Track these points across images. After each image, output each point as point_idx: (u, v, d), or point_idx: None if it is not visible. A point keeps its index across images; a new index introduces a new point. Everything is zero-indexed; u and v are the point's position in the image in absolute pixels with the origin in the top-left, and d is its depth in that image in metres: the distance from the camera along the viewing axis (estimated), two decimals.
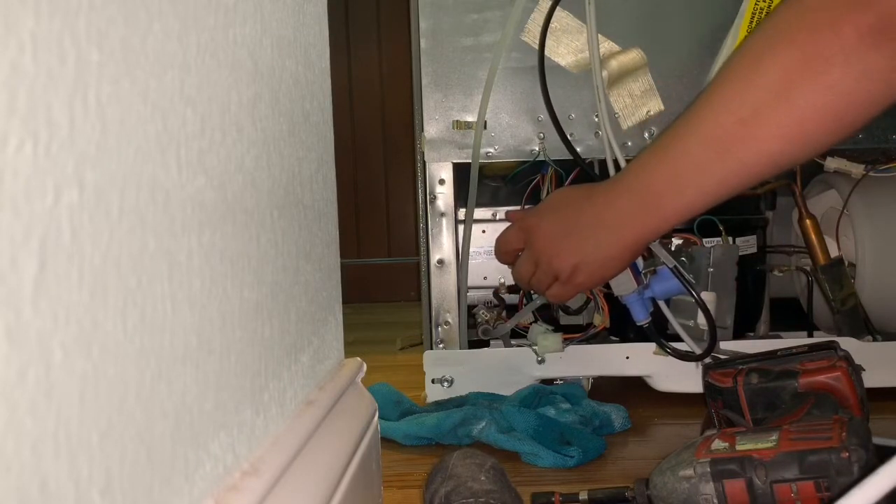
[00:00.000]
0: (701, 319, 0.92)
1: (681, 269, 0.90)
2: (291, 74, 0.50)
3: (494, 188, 1.16)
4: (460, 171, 1.01)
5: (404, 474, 0.79)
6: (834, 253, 1.01)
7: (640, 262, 0.91)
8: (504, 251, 0.93)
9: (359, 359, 0.65)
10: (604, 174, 0.97)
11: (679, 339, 0.93)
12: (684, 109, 0.77)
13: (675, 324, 0.93)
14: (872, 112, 0.67)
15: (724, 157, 0.72)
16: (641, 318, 0.91)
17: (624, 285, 0.90)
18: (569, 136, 0.98)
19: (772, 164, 0.72)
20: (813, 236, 1.00)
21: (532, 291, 0.98)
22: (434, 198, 1.02)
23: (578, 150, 0.98)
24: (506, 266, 1.01)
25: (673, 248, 0.95)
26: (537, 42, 0.98)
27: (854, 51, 0.64)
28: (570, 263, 0.84)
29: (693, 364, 0.94)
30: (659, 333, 0.93)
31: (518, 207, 1.03)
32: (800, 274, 1.11)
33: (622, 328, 1.01)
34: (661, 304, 0.93)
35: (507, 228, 0.94)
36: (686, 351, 0.93)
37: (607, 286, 0.93)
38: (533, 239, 0.88)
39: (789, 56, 0.67)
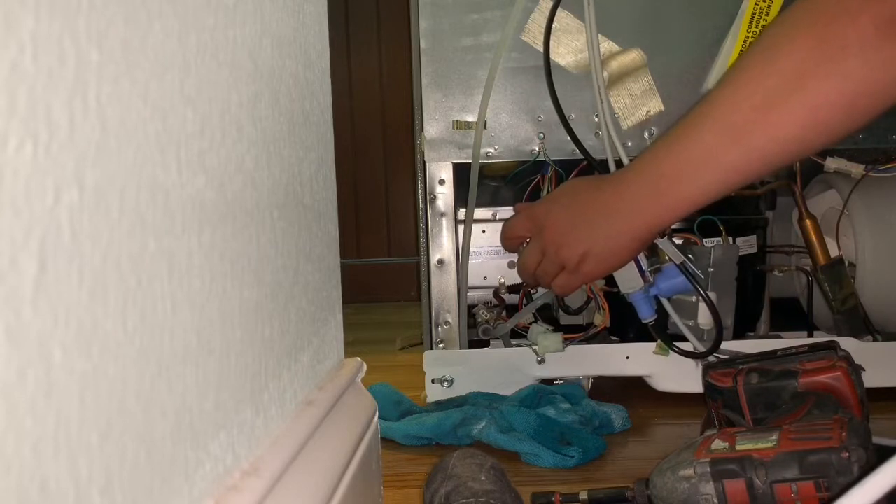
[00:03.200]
0: (701, 319, 0.92)
1: (688, 266, 0.90)
2: (291, 74, 0.50)
3: (494, 188, 1.16)
4: (460, 171, 1.01)
5: (404, 474, 0.79)
6: (834, 253, 1.01)
7: (646, 258, 0.91)
8: (509, 237, 0.93)
9: (359, 359, 0.65)
10: (605, 173, 0.97)
11: (681, 338, 0.93)
12: (697, 101, 0.77)
13: (679, 321, 0.93)
14: (886, 102, 0.67)
15: (738, 143, 0.72)
16: (647, 316, 0.91)
17: (630, 282, 0.90)
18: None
19: (785, 151, 0.72)
20: (813, 236, 1.00)
21: (533, 288, 0.98)
22: (434, 198, 1.02)
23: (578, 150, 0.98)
24: (506, 266, 1.01)
25: None
26: (537, 42, 0.98)
27: (870, 41, 0.64)
28: (579, 252, 0.84)
29: (693, 364, 0.94)
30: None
31: None
32: (800, 274, 1.11)
33: (622, 328, 1.01)
34: (665, 302, 0.93)
35: (514, 216, 0.94)
36: (689, 350, 0.93)
37: (609, 285, 0.93)
38: (541, 228, 0.88)
39: (806, 44, 0.68)
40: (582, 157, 0.98)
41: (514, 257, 0.98)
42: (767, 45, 0.71)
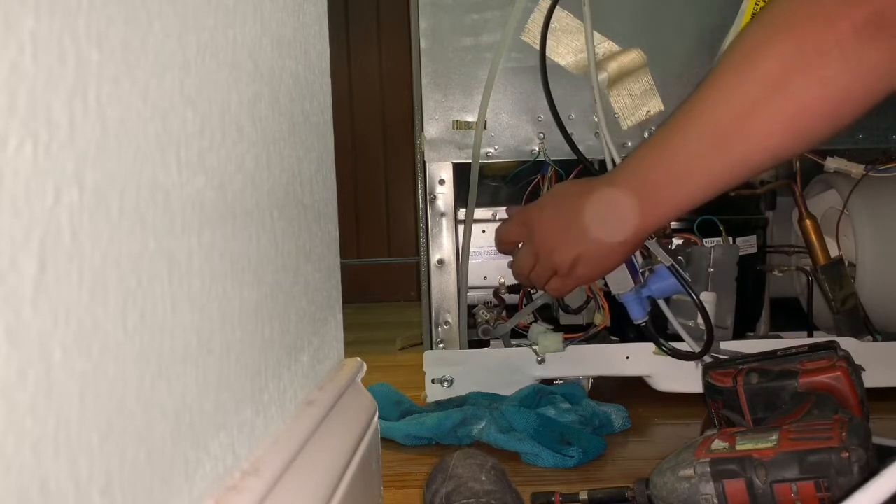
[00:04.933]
0: (700, 320, 0.92)
1: (677, 268, 0.90)
2: (291, 74, 0.50)
3: (494, 188, 1.16)
4: (460, 171, 1.01)
5: (404, 474, 0.79)
6: (834, 253, 1.01)
7: (639, 259, 0.91)
8: (503, 241, 0.94)
9: (359, 359, 0.65)
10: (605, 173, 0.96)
11: (678, 339, 0.93)
12: (681, 102, 0.77)
13: (675, 322, 0.93)
14: (868, 105, 0.67)
15: (722, 151, 0.72)
16: (639, 317, 0.91)
17: (621, 284, 0.90)
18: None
19: (769, 157, 0.72)
20: (813, 236, 1.00)
21: (530, 288, 0.98)
22: (434, 198, 1.02)
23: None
24: (506, 266, 1.01)
25: (673, 248, 0.95)
26: (537, 42, 0.98)
27: (849, 45, 0.64)
28: (570, 256, 0.84)
29: (693, 364, 0.94)
30: (658, 333, 0.93)
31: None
32: (800, 274, 1.11)
33: (622, 328, 1.01)
34: (661, 303, 0.93)
35: (506, 220, 0.94)
36: (684, 350, 0.93)
37: (608, 284, 0.93)
38: (533, 232, 0.88)
39: (785, 50, 0.67)
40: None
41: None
42: (746, 50, 0.71)
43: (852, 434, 0.55)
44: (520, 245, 0.92)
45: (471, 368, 0.97)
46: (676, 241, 0.96)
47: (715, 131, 0.72)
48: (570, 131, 0.98)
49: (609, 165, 0.95)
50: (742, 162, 0.73)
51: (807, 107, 0.68)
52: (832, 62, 0.65)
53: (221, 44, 0.38)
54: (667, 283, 0.90)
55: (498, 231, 0.94)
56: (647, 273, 0.91)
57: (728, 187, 0.76)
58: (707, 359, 0.90)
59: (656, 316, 0.93)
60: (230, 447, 0.37)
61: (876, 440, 0.58)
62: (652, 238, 0.90)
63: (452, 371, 0.97)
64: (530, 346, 0.97)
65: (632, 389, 1.00)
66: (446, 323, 1.01)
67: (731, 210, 0.99)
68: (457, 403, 0.91)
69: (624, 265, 0.89)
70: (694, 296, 0.90)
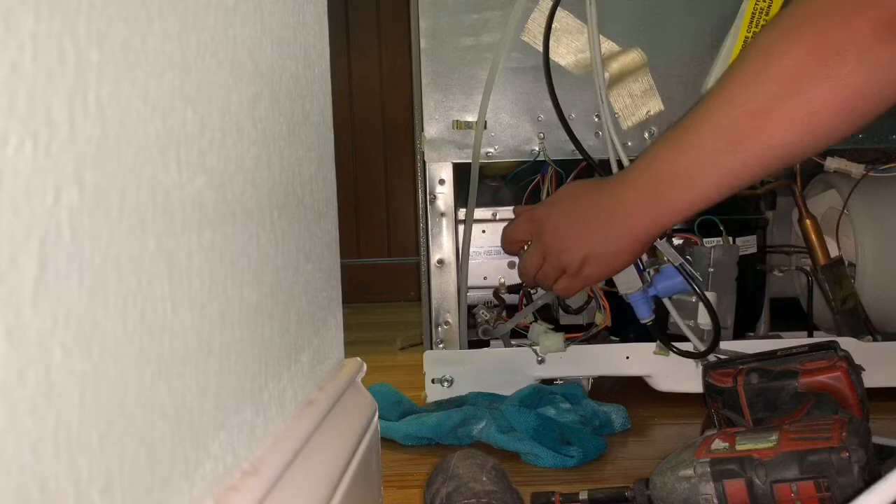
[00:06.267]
0: (701, 319, 0.92)
1: (686, 267, 0.90)
2: (291, 74, 0.50)
3: (494, 188, 1.16)
4: (460, 171, 1.01)
5: (404, 474, 0.79)
6: (834, 253, 1.01)
7: (644, 258, 0.91)
8: (510, 241, 0.93)
9: (359, 359, 0.65)
10: (606, 174, 0.97)
11: (680, 338, 0.93)
12: (695, 104, 0.77)
13: (679, 321, 0.93)
14: (883, 105, 0.67)
15: (735, 149, 0.72)
16: (645, 316, 0.91)
17: (629, 283, 0.90)
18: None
19: (783, 155, 0.72)
20: (813, 236, 1.00)
21: (535, 288, 0.98)
22: (434, 198, 1.02)
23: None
24: (506, 266, 1.01)
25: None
26: (537, 42, 0.98)
27: (866, 45, 0.64)
28: (579, 256, 0.84)
29: (693, 364, 0.94)
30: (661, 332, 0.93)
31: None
32: (800, 274, 1.11)
33: (623, 328, 1.01)
34: (667, 302, 0.93)
35: (514, 220, 0.94)
36: (688, 350, 0.93)
37: (609, 284, 0.93)
38: (541, 231, 0.88)
39: (801, 49, 0.67)
40: (582, 157, 0.98)
41: (515, 257, 0.98)
42: (763, 49, 0.71)
43: (852, 434, 0.55)
44: (526, 245, 0.92)
45: (471, 368, 0.97)
46: (676, 241, 0.96)
47: (729, 129, 0.72)
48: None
49: (614, 164, 0.95)
50: (755, 160, 0.72)
51: (821, 106, 0.68)
52: (848, 62, 0.65)
53: (221, 44, 0.38)
54: (673, 282, 0.90)
55: (505, 230, 0.94)
56: (650, 272, 0.92)
57: (741, 186, 0.75)
58: (710, 358, 0.90)
59: (657, 314, 0.93)
60: (230, 447, 0.37)
61: (876, 440, 0.58)
62: (661, 238, 0.90)
63: (452, 371, 0.97)
64: (530, 346, 0.97)
65: (632, 389, 1.00)
66: (446, 323, 1.01)
67: (731, 210, 0.99)
68: (457, 403, 0.91)
69: (632, 265, 0.89)
70: (701, 294, 0.90)
